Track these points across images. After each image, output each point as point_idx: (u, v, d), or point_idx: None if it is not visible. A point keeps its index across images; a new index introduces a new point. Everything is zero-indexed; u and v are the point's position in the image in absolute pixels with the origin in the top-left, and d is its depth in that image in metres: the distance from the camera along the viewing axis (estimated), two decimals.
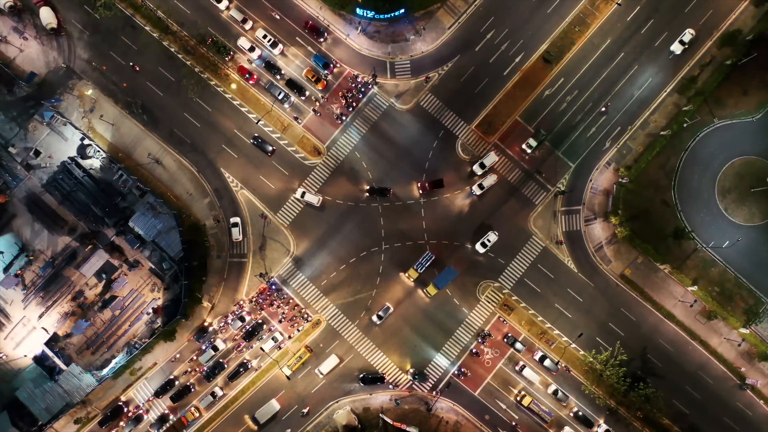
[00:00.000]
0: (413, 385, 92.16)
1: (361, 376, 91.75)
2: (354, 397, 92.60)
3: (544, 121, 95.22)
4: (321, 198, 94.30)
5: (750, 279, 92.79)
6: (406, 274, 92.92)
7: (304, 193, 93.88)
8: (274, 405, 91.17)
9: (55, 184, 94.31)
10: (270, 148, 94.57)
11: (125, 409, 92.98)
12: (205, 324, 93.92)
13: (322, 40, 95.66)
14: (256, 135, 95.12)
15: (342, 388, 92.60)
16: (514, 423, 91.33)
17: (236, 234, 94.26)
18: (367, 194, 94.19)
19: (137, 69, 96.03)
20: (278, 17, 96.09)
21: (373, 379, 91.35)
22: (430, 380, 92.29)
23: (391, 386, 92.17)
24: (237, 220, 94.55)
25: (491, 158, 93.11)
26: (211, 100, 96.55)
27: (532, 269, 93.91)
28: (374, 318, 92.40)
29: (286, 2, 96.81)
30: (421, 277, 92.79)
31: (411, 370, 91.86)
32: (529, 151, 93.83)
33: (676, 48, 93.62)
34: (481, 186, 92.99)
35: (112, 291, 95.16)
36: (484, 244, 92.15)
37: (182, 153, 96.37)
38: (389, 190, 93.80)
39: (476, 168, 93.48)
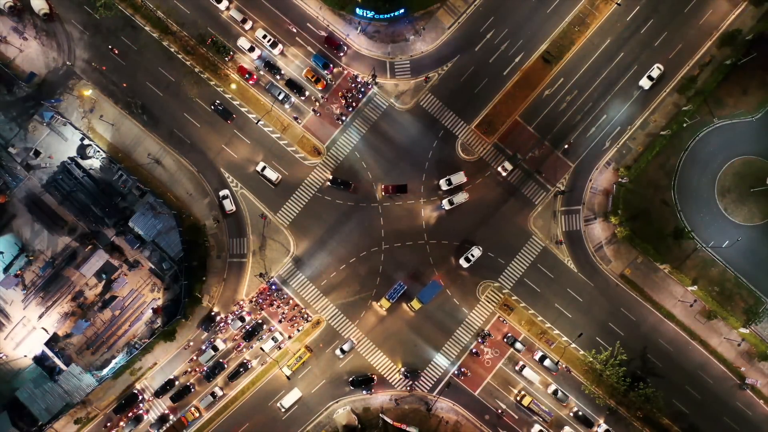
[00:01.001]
0: (413, 385, 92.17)
1: (351, 379, 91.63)
2: (354, 397, 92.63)
3: (543, 121, 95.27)
4: (280, 176, 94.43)
5: (750, 279, 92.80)
6: (379, 304, 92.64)
7: (264, 167, 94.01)
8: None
9: (55, 185, 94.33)
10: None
11: (140, 397, 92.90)
12: (213, 313, 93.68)
13: (341, 54, 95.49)
14: (217, 102, 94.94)
15: (342, 388, 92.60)
16: (500, 411, 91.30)
17: (228, 205, 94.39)
18: (330, 183, 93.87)
19: (116, 52, 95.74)
20: (295, 30, 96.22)
21: (362, 382, 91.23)
22: (421, 377, 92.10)
23: (392, 386, 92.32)
24: (226, 192, 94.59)
25: (459, 177, 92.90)
26: (211, 100, 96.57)
27: (532, 269, 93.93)
28: (337, 352, 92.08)
29: (286, 3, 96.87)
30: (404, 294, 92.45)
31: (402, 369, 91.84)
32: (504, 174, 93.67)
33: (645, 83, 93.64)
34: (450, 202, 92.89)
35: (112, 291, 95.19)
36: (468, 259, 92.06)
37: (182, 153, 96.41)
38: (351, 184, 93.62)
39: (442, 183, 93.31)
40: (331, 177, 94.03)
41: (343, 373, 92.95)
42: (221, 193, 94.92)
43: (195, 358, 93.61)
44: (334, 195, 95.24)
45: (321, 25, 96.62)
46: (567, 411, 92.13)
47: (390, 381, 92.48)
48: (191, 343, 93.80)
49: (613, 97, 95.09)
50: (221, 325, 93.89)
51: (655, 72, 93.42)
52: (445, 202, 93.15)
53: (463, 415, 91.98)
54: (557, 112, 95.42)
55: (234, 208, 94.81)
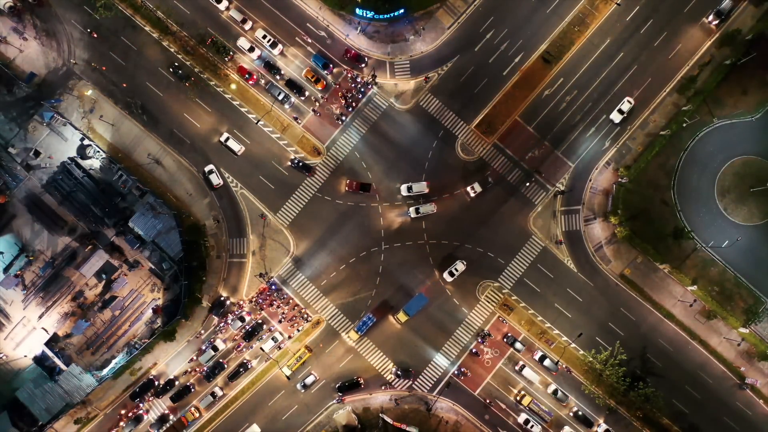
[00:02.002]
0: (412, 384, 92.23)
1: (338, 385, 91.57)
2: (354, 396, 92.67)
3: (543, 121, 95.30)
4: (243, 148, 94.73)
5: (749, 278, 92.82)
6: (347, 335, 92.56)
7: (228, 138, 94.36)
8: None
9: (55, 185, 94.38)
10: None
11: (156, 383, 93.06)
12: (222, 298, 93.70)
13: (363, 65, 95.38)
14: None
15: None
16: (488, 401, 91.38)
17: (216, 180, 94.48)
18: (290, 164, 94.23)
19: (95, 35, 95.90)
20: (310, 41, 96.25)
21: (350, 386, 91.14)
22: (421, 377, 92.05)
23: (390, 386, 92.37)
24: (211, 166, 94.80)
25: (421, 186, 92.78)
26: (210, 100, 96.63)
27: (531, 269, 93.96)
28: (298, 386, 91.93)
29: (286, 3, 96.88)
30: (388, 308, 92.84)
31: (394, 368, 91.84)
32: (472, 194, 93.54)
33: (615, 117, 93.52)
34: (417, 210, 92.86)
35: (112, 291, 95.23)
36: (452, 273, 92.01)
37: (182, 153, 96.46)
38: (313, 169, 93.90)
39: (403, 188, 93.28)
40: (291, 158, 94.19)
41: (342, 374, 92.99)
42: (206, 168, 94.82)
43: (195, 358, 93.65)
44: (333, 195, 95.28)
45: (321, 25, 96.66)
46: (567, 411, 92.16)
47: (390, 381, 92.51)
48: (202, 332, 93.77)
49: (612, 97, 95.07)
50: (221, 324, 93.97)
51: (626, 105, 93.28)
52: (411, 210, 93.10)
53: (463, 415, 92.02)
54: (557, 112, 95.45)
55: (221, 182, 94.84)
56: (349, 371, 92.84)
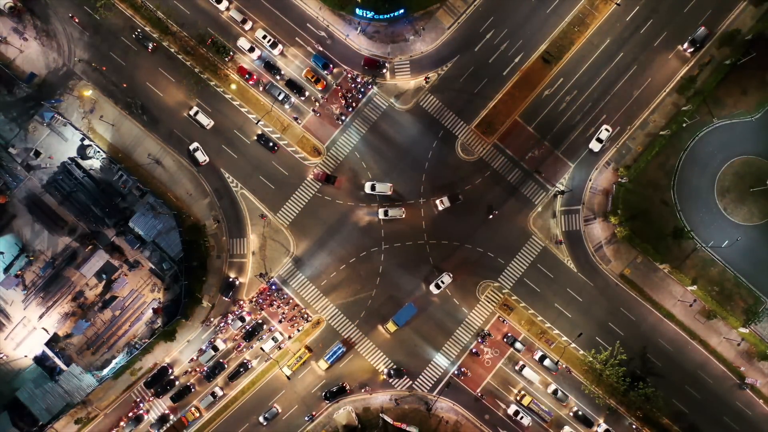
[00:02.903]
0: (413, 385, 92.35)
1: (324, 393, 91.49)
2: (354, 397, 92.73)
3: (543, 121, 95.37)
4: (212, 122, 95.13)
5: (749, 278, 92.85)
6: (318, 364, 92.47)
7: (197, 111, 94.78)
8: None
9: (55, 185, 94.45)
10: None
11: (169, 371, 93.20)
12: (230, 279, 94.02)
13: (384, 71, 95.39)
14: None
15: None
16: (480, 394, 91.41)
17: (201, 157, 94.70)
18: (255, 139, 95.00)
19: (76, 20, 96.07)
20: (320, 48, 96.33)
21: (336, 393, 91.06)
22: (407, 376, 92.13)
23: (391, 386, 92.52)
24: (195, 144, 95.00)
25: (384, 187, 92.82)
26: (210, 100, 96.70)
27: (531, 269, 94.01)
28: (260, 419, 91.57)
29: (286, 3, 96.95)
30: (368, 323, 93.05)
31: (385, 370, 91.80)
32: (440, 207, 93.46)
33: (594, 146, 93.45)
34: (386, 213, 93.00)
35: (112, 291, 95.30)
36: (438, 286, 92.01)
37: (182, 153, 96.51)
38: (276, 146, 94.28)
39: (367, 186, 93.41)
40: (258, 133, 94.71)
41: (343, 375, 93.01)
42: (191, 147, 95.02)
43: (195, 358, 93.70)
44: (333, 195, 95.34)
45: (321, 25, 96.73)
46: (567, 411, 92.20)
47: (390, 381, 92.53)
48: (212, 320, 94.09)
49: (612, 97, 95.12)
50: (221, 325, 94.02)
51: (603, 134, 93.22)
52: (381, 211, 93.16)
53: (463, 415, 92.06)
54: (557, 112, 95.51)
55: (207, 159, 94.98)
56: (350, 372, 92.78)
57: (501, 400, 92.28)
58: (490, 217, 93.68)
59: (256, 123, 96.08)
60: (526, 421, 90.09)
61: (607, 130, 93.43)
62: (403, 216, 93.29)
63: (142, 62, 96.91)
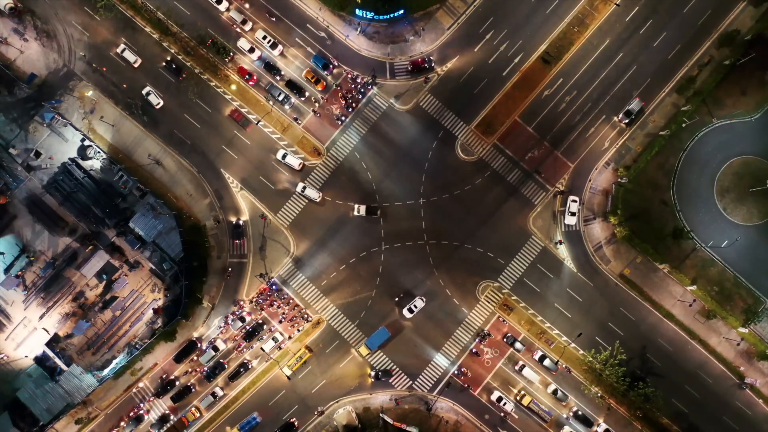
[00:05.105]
0: (413, 385, 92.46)
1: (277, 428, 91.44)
2: (354, 396, 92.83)
3: (543, 121, 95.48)
4: (161, 102, 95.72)
5: (749, 278, 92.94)
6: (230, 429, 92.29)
7: (149, 92, 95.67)
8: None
9: (55, 185, 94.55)
10: (317, 197, 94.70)
11: (198, 345, 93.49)
12: (235, 222, 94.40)
13: (431, 74, 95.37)
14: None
15: (342, 387, 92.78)
16: (467, 385, 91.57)
17: (155, 100, 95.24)
18: (229, 116, 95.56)
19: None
20: (339, 65, 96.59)
21: (284, 429, 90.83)
22: (420, 377, 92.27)
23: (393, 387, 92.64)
24: (148, 88, 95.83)
25: (293, 160, 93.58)
26: (211, 101, 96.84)
27: (531, 269, 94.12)
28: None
29: (286, 3, 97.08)
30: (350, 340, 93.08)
31: (372, 372, 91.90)
32: (356, 214, 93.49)
33: (570, 220, 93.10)
34: (303, 189, 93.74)
35: (112, 292, 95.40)
36: (411, 310, 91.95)
37: (182, 154, 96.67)
38: (253, 123, 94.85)
39: (279, 154, 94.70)
40: (231, 109, 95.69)
41: (343, 375, 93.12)
42: (144, 91, 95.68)
43: (195, 358, 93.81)
44: (333, 195, 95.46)
45: (321, 25, 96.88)
46: (567, 411, 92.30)
47: (390, 381, 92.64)
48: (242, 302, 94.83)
49: (611, 98, 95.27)
50: (222, 325, 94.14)
51: (574, 207, 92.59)
52: (299, 186, 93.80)
53: (463, 415, 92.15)
54: (557, 113, 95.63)
55: (161, 102, 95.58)
56: (350, 372, 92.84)
57: (477, 380, 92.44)
58: (375, 213, 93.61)
59: (256, 123, 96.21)
60: (509, 407, 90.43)
61: (574, 201, 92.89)
62: (318, 199, 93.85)
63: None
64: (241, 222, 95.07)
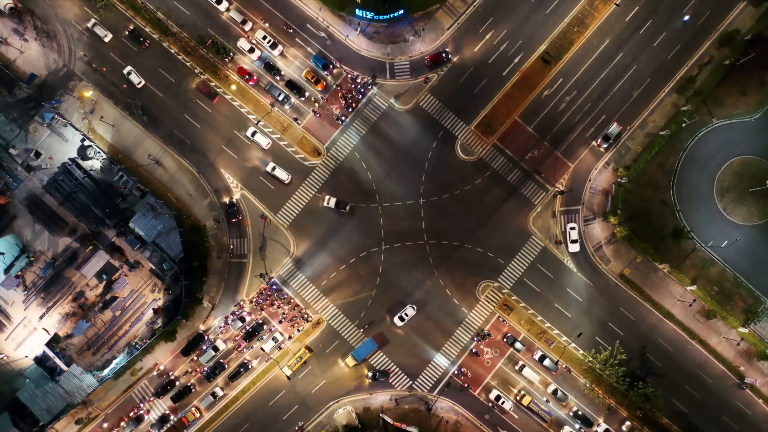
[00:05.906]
0: (413, 385, 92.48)
1: None
2: (354, 396, 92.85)
3: (543, 121, 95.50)
4: (142, 81, 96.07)
5: (749, 278, 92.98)
6: None
7: (130, 72, 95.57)
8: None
9: (55, 186, 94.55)
10: (286, 179, 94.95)
11: (205, 338, 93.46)
12: (228, 202, 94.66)
13: (448, 59, 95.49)
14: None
15: (342, 387, 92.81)
16: (466, 384, 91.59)
17: (136, 79, 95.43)
18: (196, 88, 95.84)
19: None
20: (339, 65, 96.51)
21: None
22: (421, 377, 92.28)
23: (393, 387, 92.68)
24: (129, 67, 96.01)
25: (263, 140, 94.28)
26: (211, 101, 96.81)
27: (531, 269, 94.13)
28: None
29: (286, 3, 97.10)
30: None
31: (369, 373, 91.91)
32: (325, 204, 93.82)
33: (573, 248, 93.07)
34: (273, 168, 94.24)
35: (112, 292, 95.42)
36: (402, 318, 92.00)
37: (182, 154, 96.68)
38: (220, 95, 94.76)
39: (249, 131, 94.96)
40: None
41: (343, 375, 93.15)
42: (125, 71, 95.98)
43: (195, 358, 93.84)
44: (333, 195, 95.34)
45: (321, 26, 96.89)
46: (567, 411, 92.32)
47: (390, 381, 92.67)
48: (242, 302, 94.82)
49: (611, 98, 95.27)
50: (222, 326, 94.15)
51: (574, 235, 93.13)
52: (269, 166, 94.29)
53: (463, 415, 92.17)
54: (557, 113, 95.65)
55: (143, 81, 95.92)
56: (350, 372, 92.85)
57: (477, 380, 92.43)
58: (344, 207, 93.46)
59: (256, 123, 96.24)
60: (508, 405, 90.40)
61: (573, 228, 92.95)
62: (288, 181, 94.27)
63: (142, 63, 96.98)
64: (235, 200, 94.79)
